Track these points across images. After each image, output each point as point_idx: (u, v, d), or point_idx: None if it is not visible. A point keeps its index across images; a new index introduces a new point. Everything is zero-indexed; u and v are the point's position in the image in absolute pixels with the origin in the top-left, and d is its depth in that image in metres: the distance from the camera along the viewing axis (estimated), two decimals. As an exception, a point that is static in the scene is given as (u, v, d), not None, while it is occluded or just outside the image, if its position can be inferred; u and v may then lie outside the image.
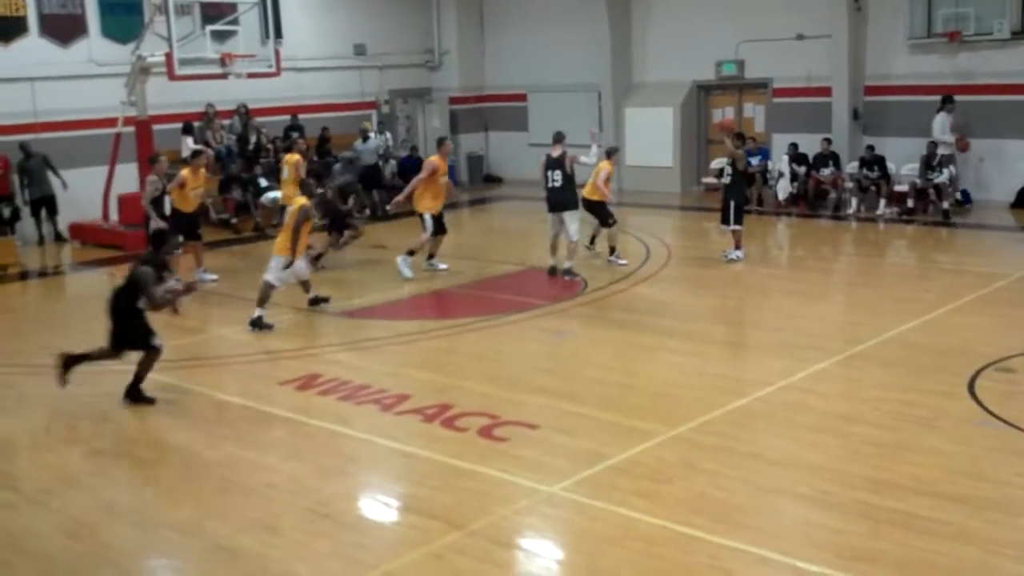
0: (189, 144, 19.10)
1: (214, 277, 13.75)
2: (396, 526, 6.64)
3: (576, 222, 13.14)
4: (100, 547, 6.22)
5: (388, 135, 21.82)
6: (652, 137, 21.09)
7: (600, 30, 21.58)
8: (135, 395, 8.84)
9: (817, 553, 5.72)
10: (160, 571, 6.06)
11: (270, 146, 19.35)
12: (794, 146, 18.76)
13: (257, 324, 11.06)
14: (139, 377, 8.85)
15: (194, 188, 13.48)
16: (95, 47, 18.23)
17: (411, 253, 13.50)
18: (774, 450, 7.34)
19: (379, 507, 7.03)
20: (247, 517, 6.52)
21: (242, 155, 19.22)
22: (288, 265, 11.21)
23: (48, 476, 7.48)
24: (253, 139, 19.50)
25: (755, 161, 19.05)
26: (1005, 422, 7.65)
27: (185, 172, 13.57)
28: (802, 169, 18.65)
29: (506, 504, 6.56)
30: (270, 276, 11.21)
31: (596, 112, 22.21)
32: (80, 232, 17.53)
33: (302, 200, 11.31)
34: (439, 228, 13.50)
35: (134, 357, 8.86)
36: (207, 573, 5.83)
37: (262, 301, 11.15)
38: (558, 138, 13.56)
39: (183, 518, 6.55)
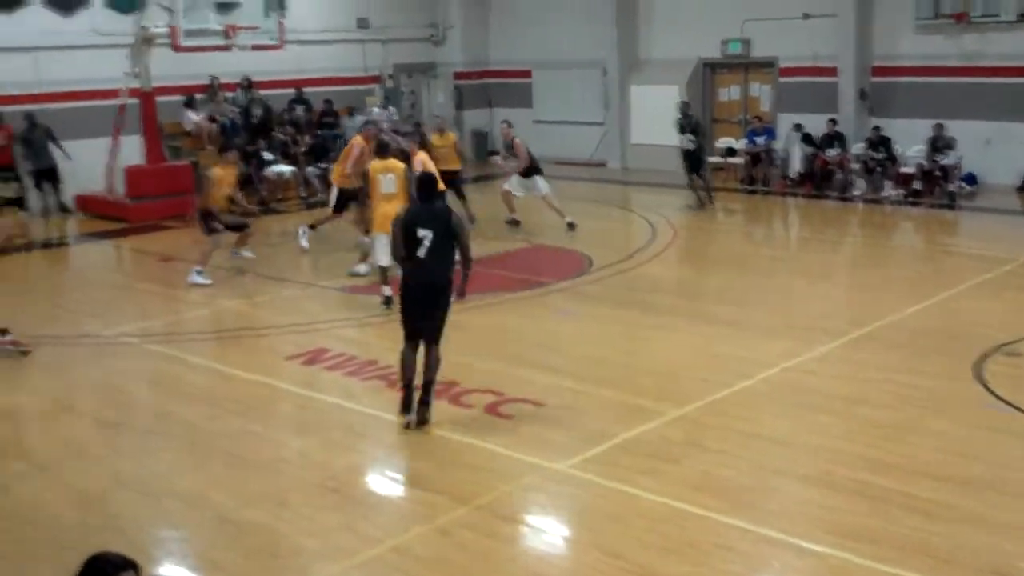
0: (191, 117, 19.09)
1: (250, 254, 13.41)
2: (403, 501, 6.70)
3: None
4: (108, 517, 6.27)
5: (393, 109, 21.74)
6: (658, 115, 20.93)
7: (606, 6, 21.45)
8: None
9: (819, 533, 5.77)
10: (168, 542, 6.10)
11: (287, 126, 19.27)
12: (799, 126, 18.72)
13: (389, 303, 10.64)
14: None
15: (230, 185, 12.85)
16: (98, 17, 18.10)
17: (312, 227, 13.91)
18: (778, 430, 7.38)
19: (386, 482, 7.09)
20: (255, 490, 6.58)
21: (246, 128, 19.18)
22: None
23: (56, 447, 7.54)
24: (257, 112, 19.44)
25: (760, 141, 19.06)
26: (1011, 406, 7.68)
27: (219, 170, 12.70)
28: (809, 149, 18.61)
29: (511, 480, 6.62)
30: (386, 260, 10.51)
31: (601, 89, 22.15)
32: (85, 203, 17.51)
33: (403, 166, 10.98)
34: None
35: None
36: (215, 545, 5.87)
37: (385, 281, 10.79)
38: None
39: (190, 490, 6.61)
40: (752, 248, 14.90)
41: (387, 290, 10.63)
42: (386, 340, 9.48)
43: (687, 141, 16.59)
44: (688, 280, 12.54)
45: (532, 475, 6.66)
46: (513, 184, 15.19)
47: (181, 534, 6.17)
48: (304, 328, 10.32)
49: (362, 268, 12.27)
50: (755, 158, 19.11)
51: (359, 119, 19.55)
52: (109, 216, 16.93)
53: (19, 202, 16.84)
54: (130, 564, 3.26)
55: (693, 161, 16.76)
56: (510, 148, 15.39)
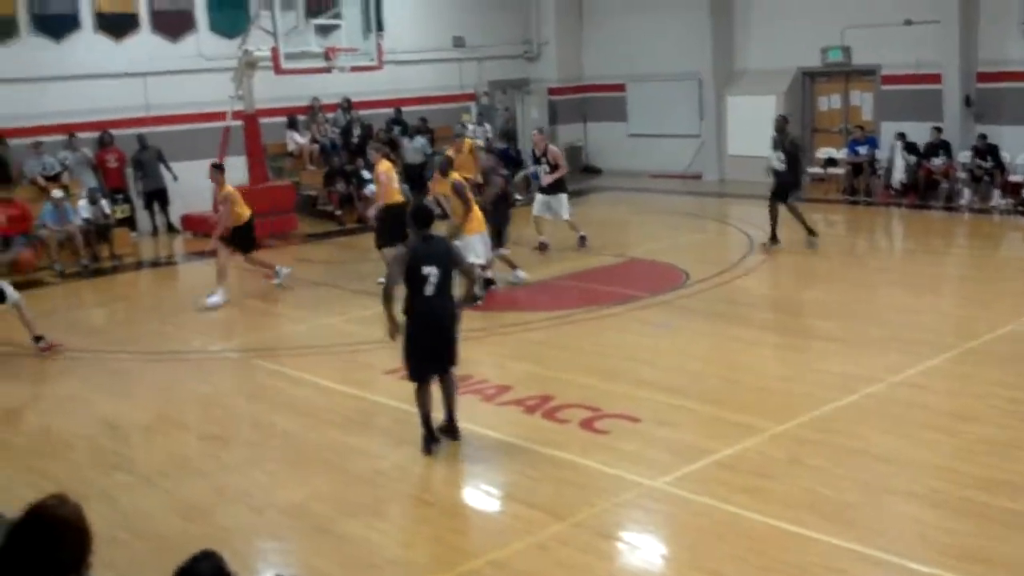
0: (296, 139, 19.56)
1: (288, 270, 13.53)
2: (500, 515, 6.69)
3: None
4: (212, 528, 6.41)
5: (487, 127, 21.92)
6: (755, 126, 20.62)
7: (701, 17, 21.28)
8: None
9: (927, 553, 5.58)
10: (270, 553, 6.21)
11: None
12: (902, 135, 18.23)
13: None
14: None
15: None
16: (204, 42, 18.73)
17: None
18: (884, 447, 7.15)
19: (482, 496, 7.09)
20: (353, 502, 6.65)
21: (346, 148, 19.55)
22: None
23: (162, 459, 7.75)
24: (356, 132, 19.81)
25: (863, 150, 18.62)
26: None
27: (232, 189, 12.90)
28: (912, 159, 18.10)
29: (608, 497, 6.55)
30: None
31: (696, 101, 21.95)
32: (192, 223, 18.06)
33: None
34: None
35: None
36: (315, 555, 5.94)
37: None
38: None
39: (291, 501, 6.72)
40: (854, 260, 14.51)
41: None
42: (479, 354, 9.53)
43: (777, 160, 14.04)
44: (788, 293, 12.29)
45: (629, 492, 6.59)
46: (537, 205, 14.68)
47: (282, 545, 6.28)
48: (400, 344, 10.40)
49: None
50: (857, 168, 18.68)
51: (419, 140, 19.60)
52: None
53: (130, 222, 17.44)
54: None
55: (778, 186, 14.14)
56: (543, 157, 14.54)
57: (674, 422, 7.79)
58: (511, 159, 20.16)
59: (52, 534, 3.27)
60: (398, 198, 12.86)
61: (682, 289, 12.21)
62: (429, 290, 7.16)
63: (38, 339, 10.55)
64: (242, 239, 12.73)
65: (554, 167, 14.41)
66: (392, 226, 12.53)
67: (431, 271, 7.14)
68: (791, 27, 20.28)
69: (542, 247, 14.58)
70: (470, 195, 11.63)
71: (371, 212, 13.32)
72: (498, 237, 12.47)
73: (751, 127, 20.76)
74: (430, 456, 7.39)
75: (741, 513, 6.15)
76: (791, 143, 14.20)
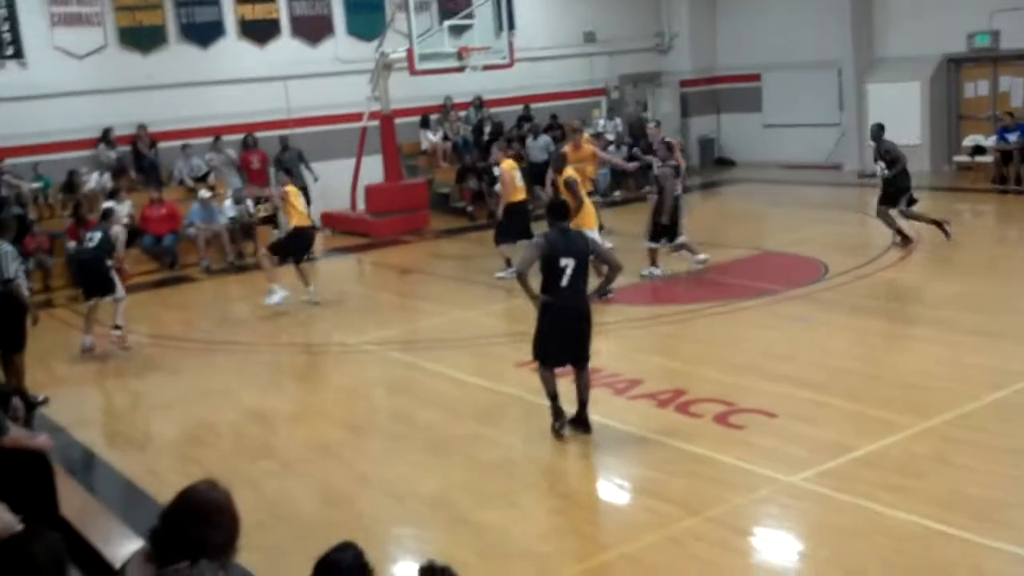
0: (429, 137, 19.91)
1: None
2: (632, 508, 6.68)
3: None
4: (354, 515, 6.62)
5: (618, 121, 21.82)
6: (898, 114, 19.89)
7: (840, 3, 20.64)
8: None
9: (1089, 558, 5.30)
10: (408, 540, 6.36)
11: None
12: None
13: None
14: None
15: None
16: (341, 45, 19.26)
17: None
18: (1037, 446, 6.83)
19: (615, 489, 7.09)
20: (489, 492, 6.75)
21: (477, 145, 19.79)
22: None
23: (305, 448, 8.02)
24: (487, 129, 20.01)
25: (1012, 138, 17.76)
26: None
27: (292, 190, 12.97)
28: (1068, 145, 17.17)
29: (744, 492, 6.46)
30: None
31: (836, 90, 21.33)
32: (331, 220, 18.60)
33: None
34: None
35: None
36: (453, 544, 6.04)
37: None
38: None
39: (430, 491, 6.85)
40: (1004, 251, 13.86)
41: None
42: (610, 347, 9.52)
43: (880, 169, 13.63)
44: (933, 286, 11.81)
45: (766, 488, 6.47)
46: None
47: (421, 533, 6.42)
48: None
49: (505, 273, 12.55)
50: (1006, 156, 17.81)
51: (543, 139, 19.47)
52: (353, 232, 17.91)
53: (272, 220, 18.06)
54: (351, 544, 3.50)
55: (884, 193, 13.60)
56: (660, 149, 13.67)
57: (813, 418, 7.61)
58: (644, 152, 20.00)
59: (204, 517, 3.41)
60: (520, 196, 13.05)
61: (821, 282, 11.90)
62: (565, 281, 7.22)
63: (117, 328, 11.04)
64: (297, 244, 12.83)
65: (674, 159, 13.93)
66: (512, 223, 12.85)
67: (568, 263, 7.20)
68: (935, 11, 19.45)
69: None
70: (582, 191, 11.65)
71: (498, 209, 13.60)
72: (672, 228, 12.49)
73: (894, 116, 20.00)
74: (560, 434, 7.47)
75: (884, 511, 5.96)
76: (886, 151, 13.48)
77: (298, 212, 12.65)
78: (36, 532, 3.32)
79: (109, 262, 10.98)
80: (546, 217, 7.84)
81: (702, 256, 12.71)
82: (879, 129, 13.82)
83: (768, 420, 7.60)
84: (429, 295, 13.50)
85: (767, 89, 22.97)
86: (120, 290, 11.03)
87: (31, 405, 8.74)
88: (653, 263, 12.69)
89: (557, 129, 20.36)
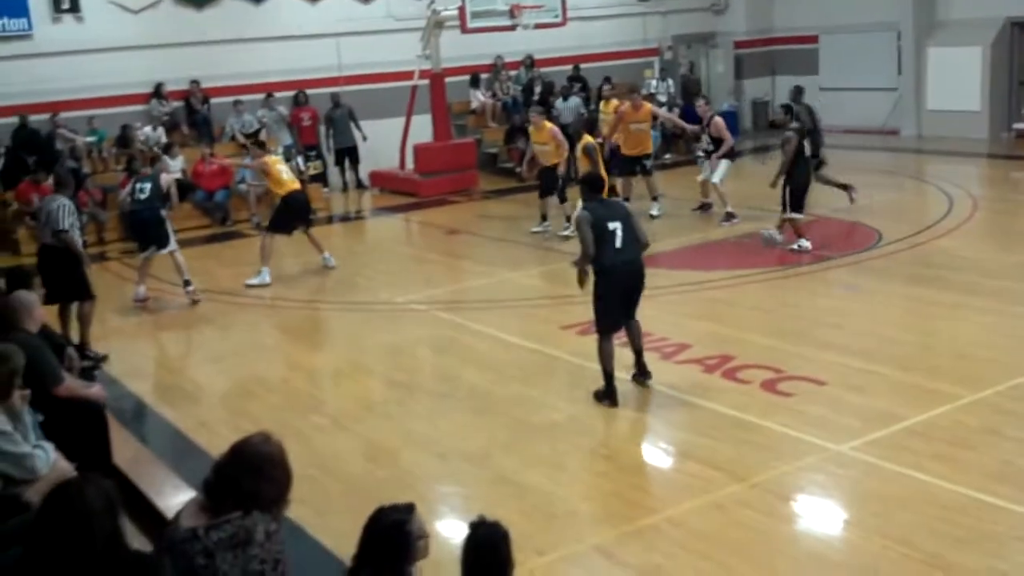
0: (479, 97, 19.81)
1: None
2: (676, 473, 6.67)
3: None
4: (400, 472, 6.69)
5: (669, 82, 21.53)
6: (957, 79, 19.51)
7: (901, -36, 20.15)
8: None
9: None
10: (451, 497, 6.42)
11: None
12: None
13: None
14: None
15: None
16: (393, 2, 19.15)
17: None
18: (1093, 420, 6.70)
19: (660, 453, 7.09)
20: (534, 453, 6.78)
21: (527, 105, 19.63)
22: None
23: (353, 404, 8.12)
24: (537, 89, 19.86)
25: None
26: None
27: (270, 160, 12.44)
28: None
29: (790, 460, 6.42)
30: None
31: (895, 53, 20.85)
32: (379, 179, 18.63)
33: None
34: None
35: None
36: (497, 504, 6.06)
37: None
38: None
39: (475, 450, 6.90)
40: (1065, 222, 13.57)
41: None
42: (658, 312, 9.43)
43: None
44: (989, 256, 11.57)
45: (813, 455, 6.43)
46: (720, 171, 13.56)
47: (465, 491, 6.47)
48: (579, 300, 10.46)
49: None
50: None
51: (574, 100, 19.17)
52: (401, 191, 17.93)
53: (322, 178, 18.16)
54: (411, 509, 3.55)
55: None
56: (706, 128, 13.78)
57: (862, 386, 7.52)
58: (694, 117, 19.78)
59: (257, 469, 3.46)
60: (554, 160, 13.37)
61: (874, 249, 11.71)
62: (619, 243, 7.34)
63: (187, 283, 11.14)
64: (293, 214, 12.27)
65: (717, 140, 13.62)
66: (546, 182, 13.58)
67: (616, 226, 7.34)
68: (1000, -28, 18.92)
69: (704, 208, 14.32)
70: (599, 158, 11.56)
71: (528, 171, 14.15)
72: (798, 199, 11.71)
73: (953, 81, 19.62)
74: (613, 408, 7.46)
75: (932, 481, 5.91)
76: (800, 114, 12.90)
77: (284, 180, 12.15)
78: (90, 478, 3.39)
79: (163, 212, 11.07)
80: (581, 192, 7.98)
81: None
82: (798, 92, 14.17)
83: (817, 388, 7.53)
84: (476, 256, 13.51)
85: (824, 51, 22.50)
86: (173, 243, 11.14)
87: (91, 361, 8.88)
88: (799, 234, 11.76)
89: (583, 91, 19.89)
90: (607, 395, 7.49)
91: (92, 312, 9.43)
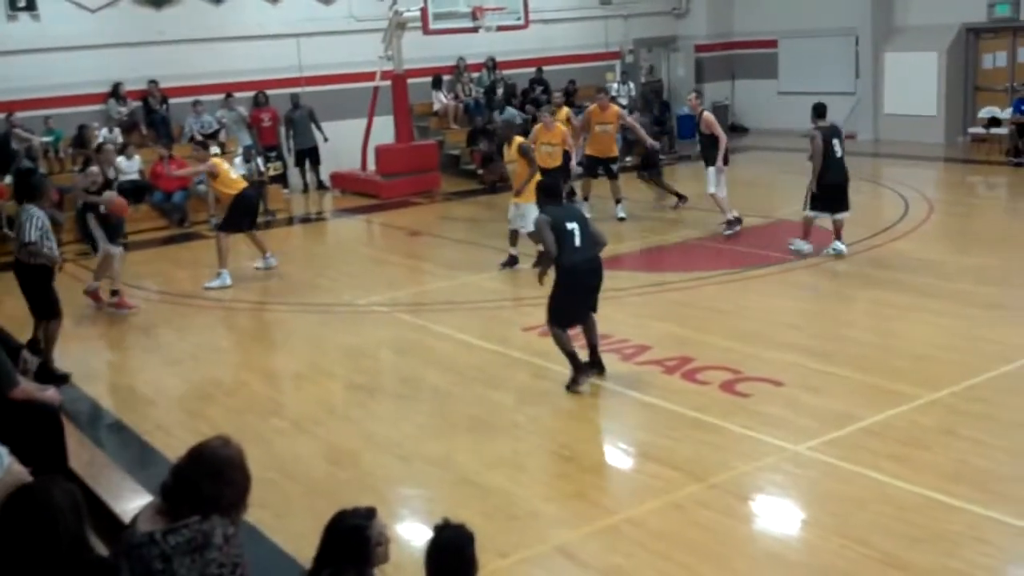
0: (441, 98, 19.79)
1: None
2: (637, 474, 6.71)
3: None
4: (361, 474, 6.66)
5: (631, 85, 21.66)
6: (914, 84, 19.81)
7: (859, -29, 20.41)
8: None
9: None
10: (414, 500, 6.40)
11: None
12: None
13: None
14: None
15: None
16: (355, 3, 19.07)
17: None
18: (1044, 420, 6.83)
19: (619, 454, 7.13)
20: (495, 455, 6.78)
21: (489, 107, 19.67)
22: None
23: (314, 406, 8.07)
24: (499, 92, 19.87)
25: (1031, 109, 17.60)
26: None
27: (217, 161, 12.39)
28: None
29: (749, 460, 6.48)
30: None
31: (853, 58, 21.12)
32: (340, 181, 18.55)
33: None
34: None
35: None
36: (459, 505, 6.06)
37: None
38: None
39: (436, 452, 6.89)
40: (1017, 224, 13.81)
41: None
42: (618, 313, 9.51)
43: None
44: (944, 258, 11.75)
45: (771, 456, 6.49)
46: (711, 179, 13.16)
47: (426, 493, 6.46)
48: (540, 302, 10.49)
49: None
50: (1021, 129, 17.66)
51: (511, 112, 19.07)
52: (362, 193, 17.87)
53: (282, 179, 18.04)
54: (372, 514, 3.54)
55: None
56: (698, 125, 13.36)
57: (820, 387, 7.61)
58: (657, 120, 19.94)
59: (216, 473, 3.43)
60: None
61: (832, 252, 11.84)
62: (577, 242, 7.63)
63: (115, 293, 10.96)
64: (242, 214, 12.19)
65: (709, 137, 13.17)
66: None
67: (573, 226, 7.66)
68: (957, -20, 19.22)
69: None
70: (535, 159, 11.59)
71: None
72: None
73: (910, 85, 19.91)
74: (578, 391, 7.67)
75: (889, 481, 5.99)
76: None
77: (232, 180, 12.11)
78: (55, 480, 3.36)
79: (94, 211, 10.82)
80: (537, 197, 8.37)
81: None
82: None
83: (775, 388, 7.61)
84: (438, 258, 13.50)
85: (783, 56, 22.77)
86: (104, 243, 10.86)
87: (57, 379, 8.48)
88: (804, 235, 11.72)
89: (545, 93, 19.56)
90: (580, 374, 7.72)
91: (58, 331, 8.94)
